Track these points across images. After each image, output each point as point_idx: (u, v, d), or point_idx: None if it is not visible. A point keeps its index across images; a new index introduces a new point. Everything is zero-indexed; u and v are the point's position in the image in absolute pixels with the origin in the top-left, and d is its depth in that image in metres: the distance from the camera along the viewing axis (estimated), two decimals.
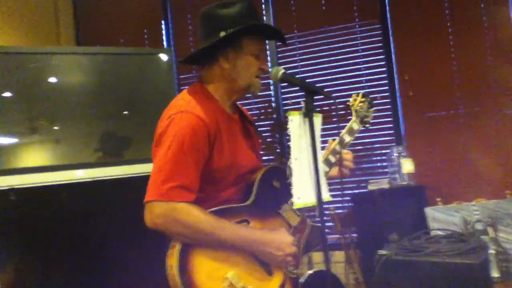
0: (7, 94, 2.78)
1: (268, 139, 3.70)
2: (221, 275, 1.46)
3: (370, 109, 1.87)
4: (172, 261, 1.42)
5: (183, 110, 1.51)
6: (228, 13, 1.58)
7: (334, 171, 1.77)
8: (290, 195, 1.60)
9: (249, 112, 1.91)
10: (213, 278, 1.44)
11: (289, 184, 1.60)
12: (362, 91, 1.93)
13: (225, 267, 1.47)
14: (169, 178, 1.44)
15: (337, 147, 1.75)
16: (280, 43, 3.74)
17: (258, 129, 1.85)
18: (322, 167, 1.67)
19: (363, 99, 1.85)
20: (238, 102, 1.77)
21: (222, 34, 1.55)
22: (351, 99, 1.86)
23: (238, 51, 1.59)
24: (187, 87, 1.73)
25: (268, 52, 3.74)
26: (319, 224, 1.75)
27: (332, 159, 1.73)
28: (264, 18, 3.79)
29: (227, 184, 1.59)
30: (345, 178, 1.77)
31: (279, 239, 1.56)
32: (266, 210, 1.61)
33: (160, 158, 1.47)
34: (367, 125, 1.87)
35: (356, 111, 1.84)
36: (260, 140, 1.83)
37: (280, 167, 1.69)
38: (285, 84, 3.58)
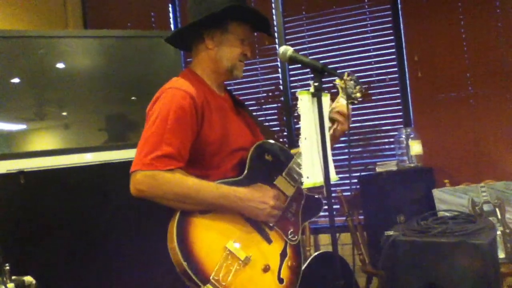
0: (16, 80, 2.79)
1: (270, 122, 3.70)
2: (220, 245, 1.49)
3: (357, 86, 1.91)
4: (171, 235, 1.45)
5: (169, 87, 1.58)
6: None
7: None
8: (283, 167, 1.67)
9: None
10: (213, 249, 1.47)
11: (283, 157, 1.68)
12: (348, 70, 1.96)
13: (224, 237, 1.50)
14: (154, 148, 1.48)
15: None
16: (288, 25, 3.73)
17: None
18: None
19: (348, 78, 1.88)
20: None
21: (210, 13, 1.59)
22: (337, 79, 1.89)
23: (224, 32, 1.65)
24: None
25: (276, 34, 3.72)
26: (313, 194, 1.80)
27: None
28: None
29: (221, 159, 1.62)
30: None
31: (261, 192, 1.59)
32: (260, 182, 1.64)
33: (146, 130, 1.53)
34: (355, 101, 1.91)
35: (342, 88, 1.88)
36: (254, 122, 1.86)
37: (271, 142, 1.73)
38: (293, 66, 3.64)
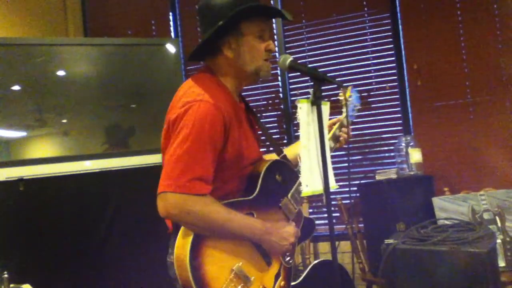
0: (16, 87, 2.80)
1: (270, 130, 3.70)
2: (228, 266, 1.48)
3: (357, 104, 1.93)
4: (184, 251, 1.43)
5: (201, 99, 1.47)
6: (223, 2, 1.55)
7: None
8: (289, 189, 1.68)
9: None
10: (221, 269, 1.47)
11: (290, 178, 1.67)
12: (348, 78, 1.96)
13: (232, 259, 1.50)
14: (187, 169, 1.42)
15: (330, 142, 1.80)
16: (288, 33, 3.74)
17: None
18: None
19: (351, 94, 1.88)
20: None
21: (220, 23, 1.52)
22: (341, 93, 1.88)
23: (239, 37, 1.56)
24: None
25: (276, 42, 3.73)
26: (310, 217, 1.84)
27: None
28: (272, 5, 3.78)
29: (232, 174, 1.59)
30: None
31: (284, 229, 1.60)
32: (269, 203, 1.63)
33: (177, 147, 1.44)
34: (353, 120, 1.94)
35: (346, 105, 1.87)
36: (259, 131, 1.83)
37: (283, 161, 1.73)
38: (293, 74, 3.65)
